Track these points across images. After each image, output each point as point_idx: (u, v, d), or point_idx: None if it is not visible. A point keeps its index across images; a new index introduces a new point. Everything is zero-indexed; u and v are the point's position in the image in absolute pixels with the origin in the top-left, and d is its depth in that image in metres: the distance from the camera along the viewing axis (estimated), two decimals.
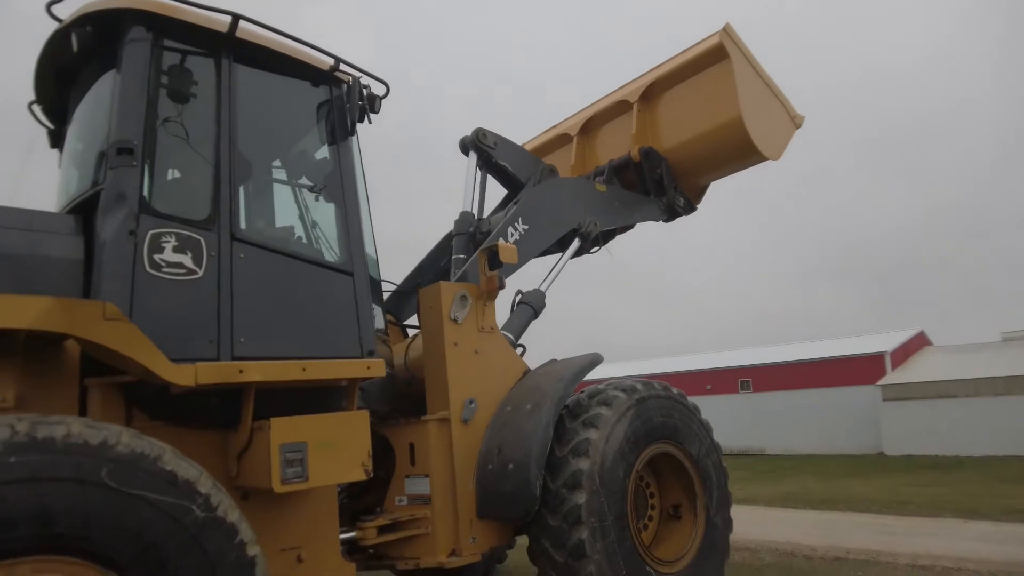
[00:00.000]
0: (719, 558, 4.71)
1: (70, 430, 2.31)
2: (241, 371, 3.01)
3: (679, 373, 28.83)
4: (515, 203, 5.52)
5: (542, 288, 5.33)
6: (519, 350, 4.95)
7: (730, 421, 24.27)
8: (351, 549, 3.92)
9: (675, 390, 4.82)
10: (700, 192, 6.59)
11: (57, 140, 4.16)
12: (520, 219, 5.18)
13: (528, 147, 7.00)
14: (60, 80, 3.78)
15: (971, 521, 9.40)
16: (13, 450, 2.18)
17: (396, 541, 4.02)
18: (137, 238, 3.08)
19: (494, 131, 5.85)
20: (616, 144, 6.37)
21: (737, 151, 5.88)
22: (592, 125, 6.70)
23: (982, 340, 26.31)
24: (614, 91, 6.59)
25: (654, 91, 6.18)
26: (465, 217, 5.43)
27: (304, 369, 3.26)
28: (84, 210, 3.33)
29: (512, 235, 5.08)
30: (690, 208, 6.41)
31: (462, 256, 5.19)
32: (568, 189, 5.77)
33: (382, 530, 3.95)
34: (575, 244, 5.64)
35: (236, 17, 3.43)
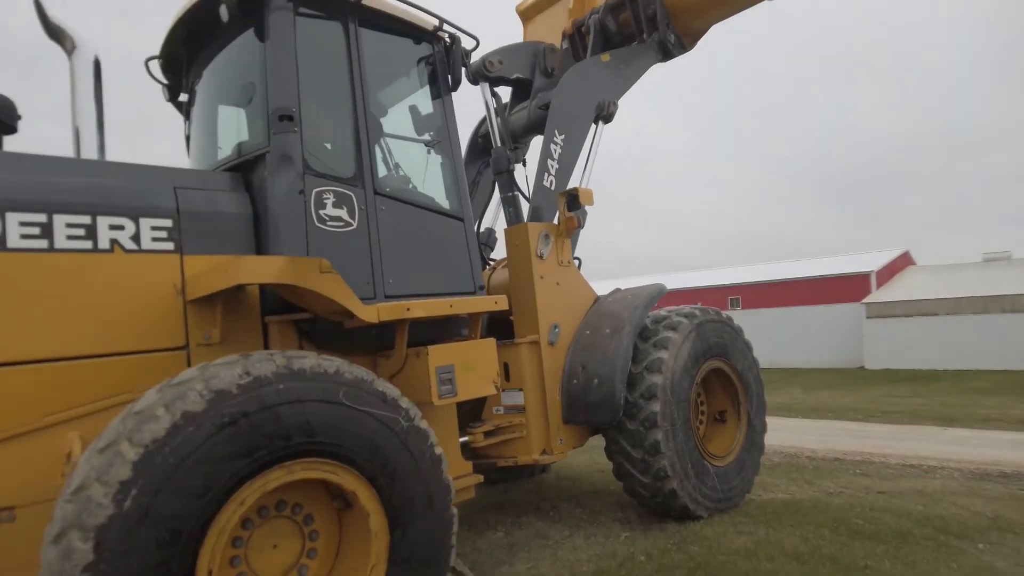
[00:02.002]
0: (757, 453, 5.61)
1: (313, 362, 2.85)
2: (408, 309, 3.55)
3: (671, 291, 29.70)
4: (542, 109, 5.55)
5: None
6: (576, 263, 5.43)
7: None
8: (460, 451, 4.66)
9: (725, 314, 5.55)
10: (696, 37, 6.45)
11: (174, 94, 4.52)
12: (556, 131, 5.28)
13: (526, 3, 6.85)
14: (189, 41, 4.09)
15: (949, 428, 10.41)
16: (281, 378, 2.72)
17: (497, 443, 4.77)
18: (305, 196, 3.56)
19: (494, 49, 5.69)
20: None
21: None
22: None
23: (964, 260, 27.46)
24: None
25: None
26: (500, 155, 5.47)
27: (451, 305, 3.84)
28: (240, 168, 3.78)
29: (556, 151, 5.31)
30: (681, 47, 6.21)
31: (510, 195, 5.51)
32: (580, 77, 5.60)
33: (487, 435, 4.70)
34: (600, 131, 5.64)
35: None
